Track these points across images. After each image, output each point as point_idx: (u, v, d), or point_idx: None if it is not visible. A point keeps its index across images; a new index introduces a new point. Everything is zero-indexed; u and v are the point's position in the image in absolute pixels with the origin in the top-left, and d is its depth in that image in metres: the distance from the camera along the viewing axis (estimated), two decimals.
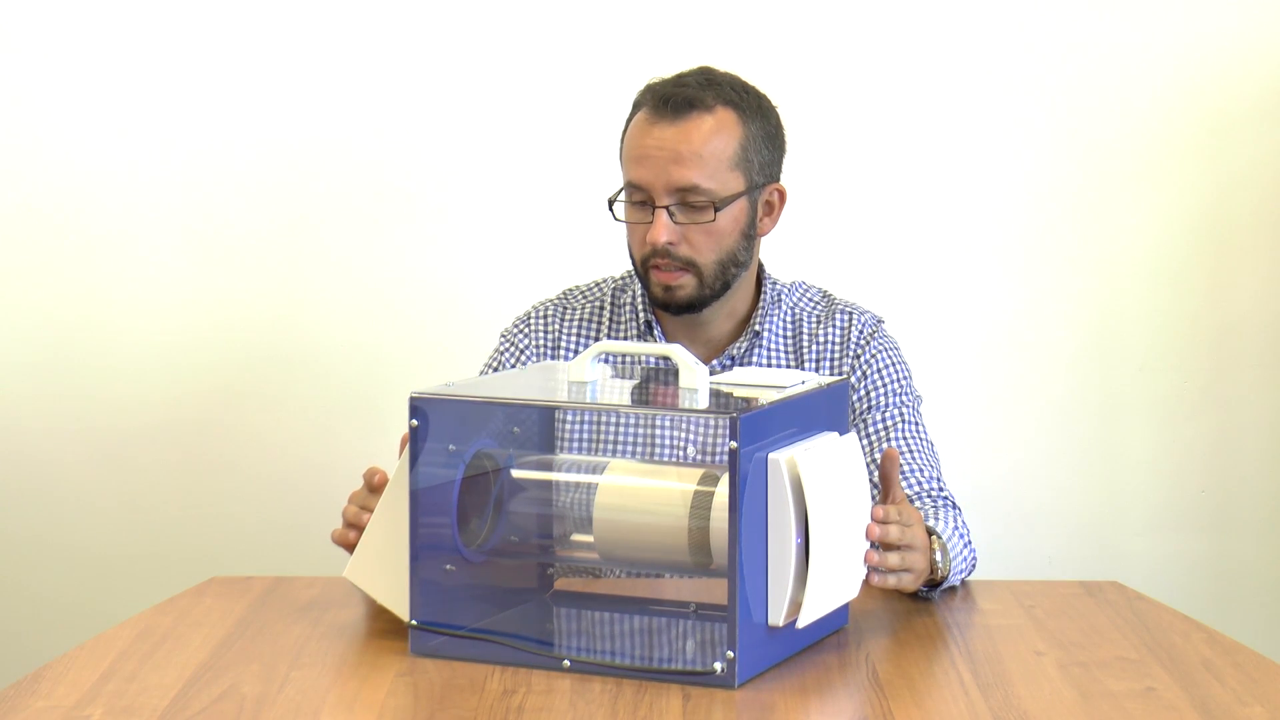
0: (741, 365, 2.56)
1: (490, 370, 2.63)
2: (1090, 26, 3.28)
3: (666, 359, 2.40)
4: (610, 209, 2.50)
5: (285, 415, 3.35)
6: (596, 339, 2.60)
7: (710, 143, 2.45)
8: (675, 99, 2.46)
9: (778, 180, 2.54)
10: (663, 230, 2.45)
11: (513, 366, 2.60)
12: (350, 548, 2.22)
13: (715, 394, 2.07)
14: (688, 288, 2.48)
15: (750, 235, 2.51)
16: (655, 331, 2.57)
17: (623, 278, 2.65)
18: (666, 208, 2.45)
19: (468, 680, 1.99)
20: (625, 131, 2.52)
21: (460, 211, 3.32)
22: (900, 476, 2.48)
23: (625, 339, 2.59)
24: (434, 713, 1.91)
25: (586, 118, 3.30)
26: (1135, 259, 3.33)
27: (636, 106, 2.52)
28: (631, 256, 2.53)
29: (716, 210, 2.45)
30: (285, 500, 3.35)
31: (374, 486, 2.22)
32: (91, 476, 3.36)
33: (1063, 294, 3.34)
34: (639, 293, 2.60)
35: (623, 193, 2.50)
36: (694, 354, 2.51)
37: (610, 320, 2.61)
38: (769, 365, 2.57)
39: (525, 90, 3.30)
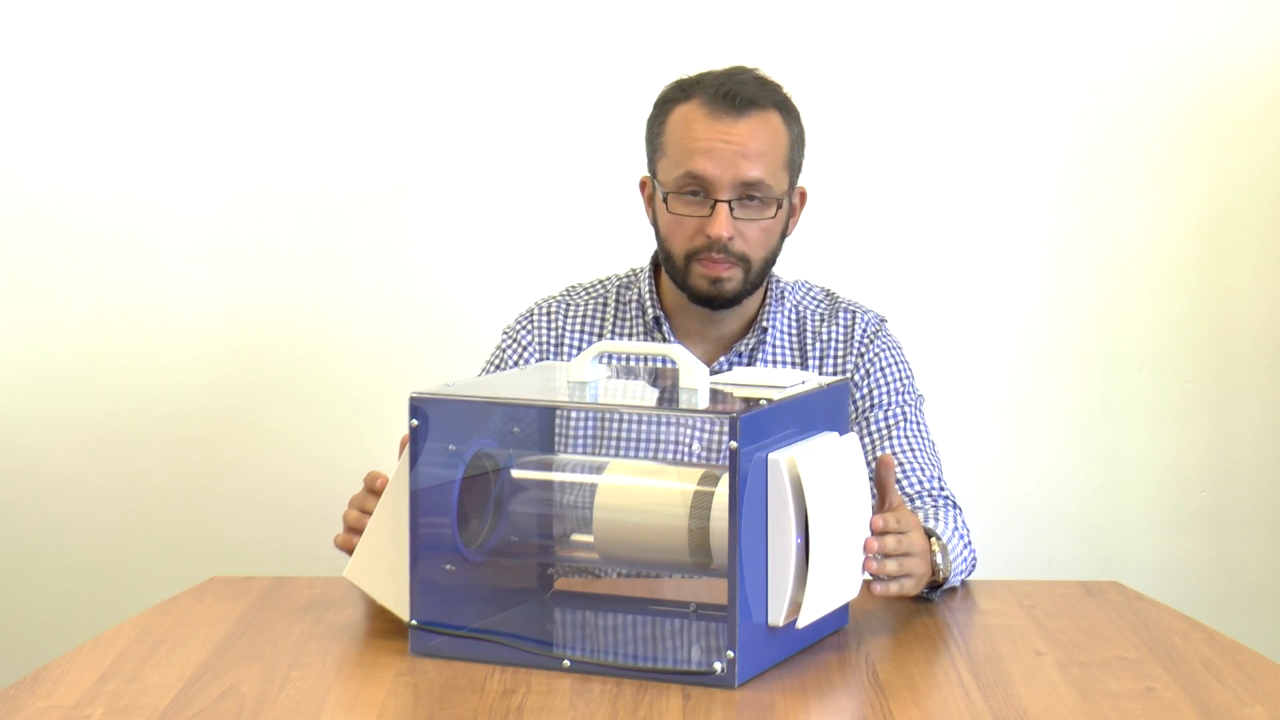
0: (749, 361, 2.56)
1: (493, 367, 2.63)
2: (1090, 29, 3.28)
3: (667, 358, 2.40)
4: (665, 201, 2.48)
5: (285, 416, 3.35)
6: (600, 336, 2.60)
7: (772, 140, 2.47)
8: (739, 95, 2.45)
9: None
10: (725, 224, 2.44)
11: (515, 363, 2.60)
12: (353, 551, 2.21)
13: (715, 394, 2.07)
14: (735, 281, 2.48)
15: (784, 234, 2.53)
16: (664, 328, 2.57)
17: (626, 276, 2.65)
18: (729, 202, 2.45)
19: (468, 680, 1.99)
20: (663, 125, 2.50)
21: (460, 212, 3.32)
22: (901, 475, 2.48)
23: (630, 336, 2.59)
24: (434, 713, 1.91)
25: (586, 119, 3.30)
26: (1136, 260, 3.33)
27: (670, 102, 2.50)
28: (667, 249, 2.51)
29: (779, 207, 2.47)
30: (285, 501, 3.35)
31: (375, 490, 2.22)
32: (92, 477, 3.36)
33: (1063, 295, 3.34)
34: (646, 290, 2.59)
35: (662, 186, 2.48)
36: (703, 350, 2.53)
37: (615, 318, 2.61)
38: (775, 362, 2.57)
39: (525, 92, 3.30)
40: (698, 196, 2.46)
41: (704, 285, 2.49)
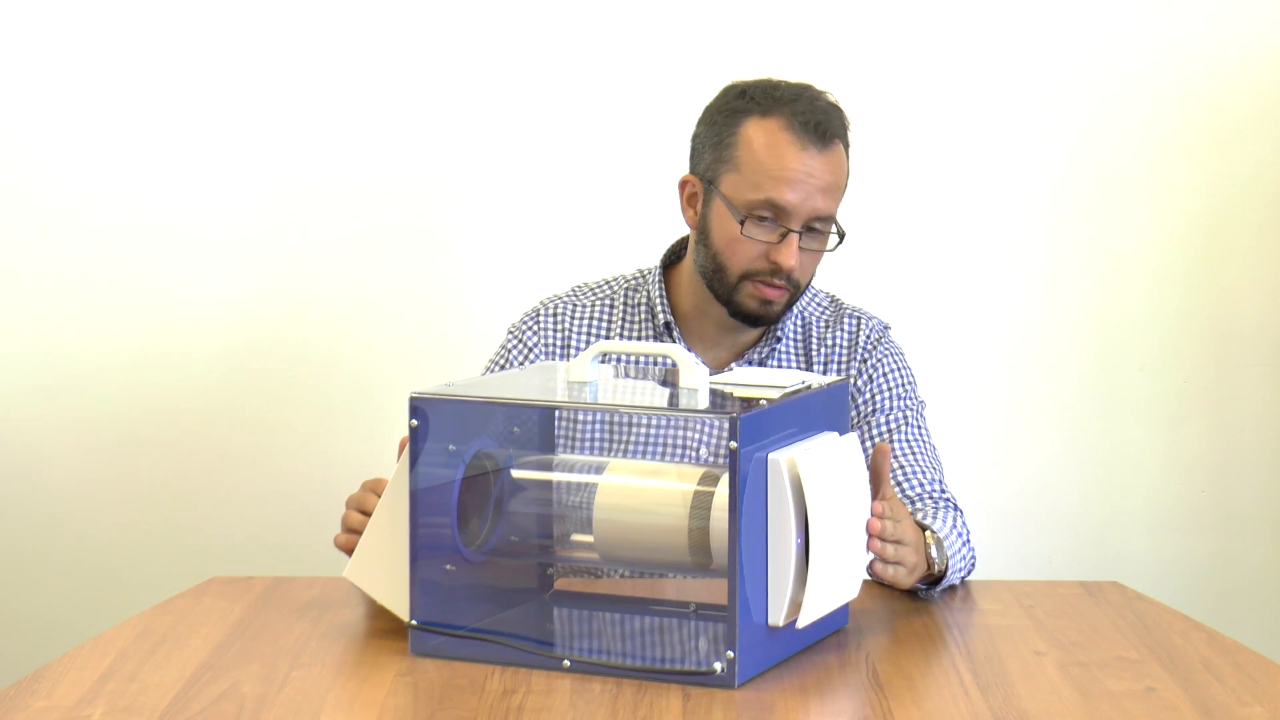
0: (756, 367, 2.56)
1: (497, 366, 2.62)
2: (1092, 31, 3.28)
3: (668, 359, 2.40)
4: (741, 224, 2.43)
5: (285, 415, 3.35)
6: (606, 337, 2.59)
7: (841, 175, 2.48)
8: (827, 129, 2.44)
9: None
10: (795, 254, 2.44)
11: (520, 363, 2.60)
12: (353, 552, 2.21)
13: (715, 394, 2.07)
14: (781, 304, 2.49)
15: None
16: (674, 333, 2.57)
17: (634, 277, 2.64)
18: (800, 232, 2.45)
19: (468, 680, 1.99)
20: (733, 138, 2.46)
21: (459, 213, 3.32)
22: (903, 478, 2.49)
23: (638, 339, 2.58)
24: (434, 713, 1.91)
25: (586, 120, 3.30)
26: (1136, 260, 3.33)
27: (742, 112, 2.46)
28: (720, 262, 2.47)
29: (841, 240, 2.48)
30: (286, 501, 3.36)
31: (375, 490, 2.22)
32: (92, 477, 3.36)
33: (1063, 295, 3.34)
34: (656, 294, 2.58)
35: (731, 203, 2.45)
36: (714, 357, 2.54)
37: (623, 319, 2.61)
38: (782, 367, 2.57)
39: (530, 91, 3.30)
40: (769, 221, 2.45)
41: (754, 305, 2.48)
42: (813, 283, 2.66)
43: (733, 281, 2.48)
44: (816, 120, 2.44)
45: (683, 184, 2.54)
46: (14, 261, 3.33)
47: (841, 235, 2.49)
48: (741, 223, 2.44)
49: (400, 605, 2.10)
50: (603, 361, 2.34)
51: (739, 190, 2.45)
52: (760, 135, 2.45)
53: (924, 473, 2.51)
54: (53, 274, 3.33)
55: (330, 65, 3.30)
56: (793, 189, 2.43)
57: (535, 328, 2.61)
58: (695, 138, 2.53)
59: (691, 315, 2.57)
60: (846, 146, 2.50)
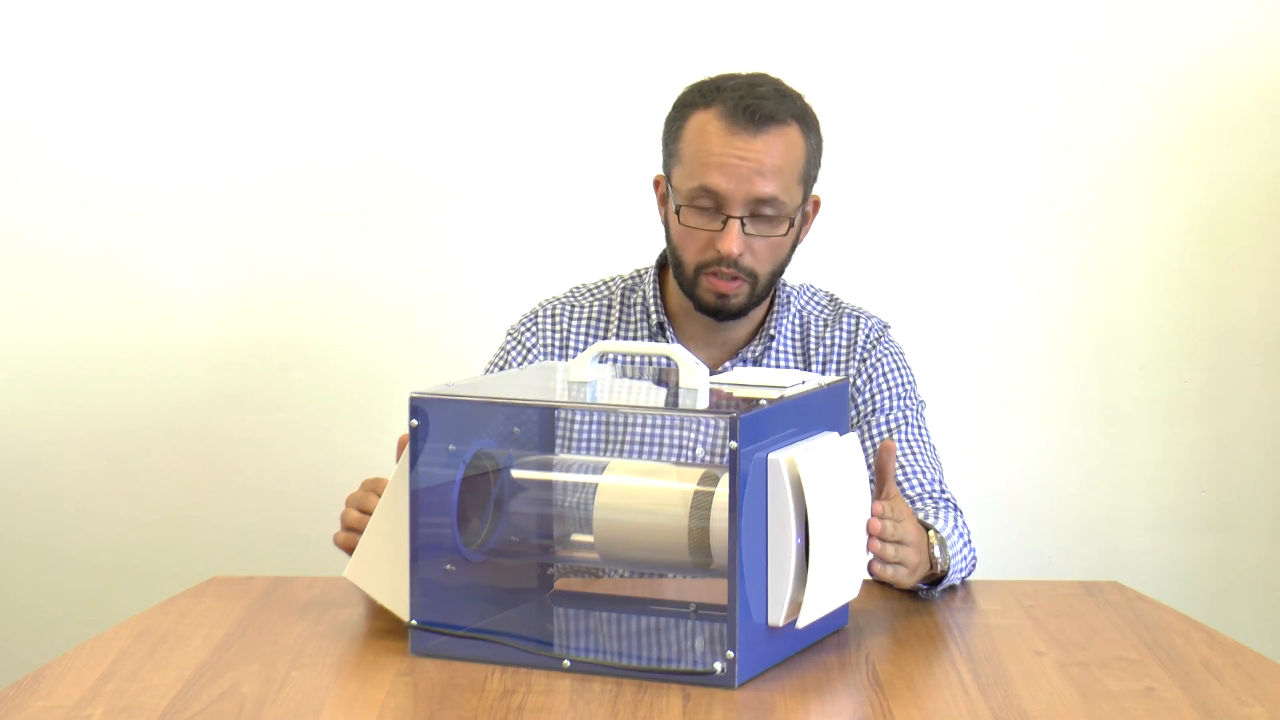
0: (755, 367, 2.56)
1: (496, 368, 2.62)
2: (1091, 29, 3.28)
3: (667, 359, 2.40)
4: (677, 213, 2.46)
5: (286, 415, 3.35)
6: (604, 338, 2.59)
7: (787, 157, 2.45)
8: (758, 111, 2.43)
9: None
10: (736, 240, 2.43)
11: (519, 364, 2.60)
12: (353, 550, 2.22)
13: (715, 394, 2.07)
14: (741, 296, 2.48)
15: (795, 246, 2.53)
16: (668, 333, 2.57)
17: (631, 277, 2.64)
18: (740, 218, 2.44)
19: (468, 680, 1.99)
20: (680, 132, 2.47)
21: (459, 213, 3.33)
22: (903, 478, 2.49)
23: (634, 339, 2.59)
24: (434, 713, 1.91)
25: (590, 118, 3.30)
26: (1136, 260, 3.33)
27: (690, 106, 2.47)
28: (678, 257, 2.50)
29: (791, 225, 2.46)
30: (286, 501, 3.35)
31: (375, 490, 2.22)
32: (93, 478, 3.36)
33: (1063, 295, 3.34)
34: (651, 294, 2.58)
35: (675, 194, 2.47)
36: (709, 356, 2.54)
37: (620, 320, 2.61)
38: (779, 367, 2.56)
39: (530, 91, 3.30)
40: (710, 209, 2.45)
41: (711, 299, 2.48)
42: (812, 283, 2.66)
43: (690, 275, 2.48)
44: (749, 104, 2.43)
45: (655, 184, 2.56)
46: (14, 260, 3.33)
47: (792, 221, 2.47)
48: (677, 211, 2.46)
49: (400, 605, 2.10)
50: (602, 361, 2.34)
51: (681, 181, 2.46)
52: (698, 125, 2.46)
53: (924, 473, 2.51)
54: (52, 272, 3.33)
55: (331, 63, 3.30)
56: (724, 173, 2.42)
57: (534, 329, 2.61)
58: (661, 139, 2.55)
59: (681, 315, 2.57)
60: (807, 128, 2.47)
